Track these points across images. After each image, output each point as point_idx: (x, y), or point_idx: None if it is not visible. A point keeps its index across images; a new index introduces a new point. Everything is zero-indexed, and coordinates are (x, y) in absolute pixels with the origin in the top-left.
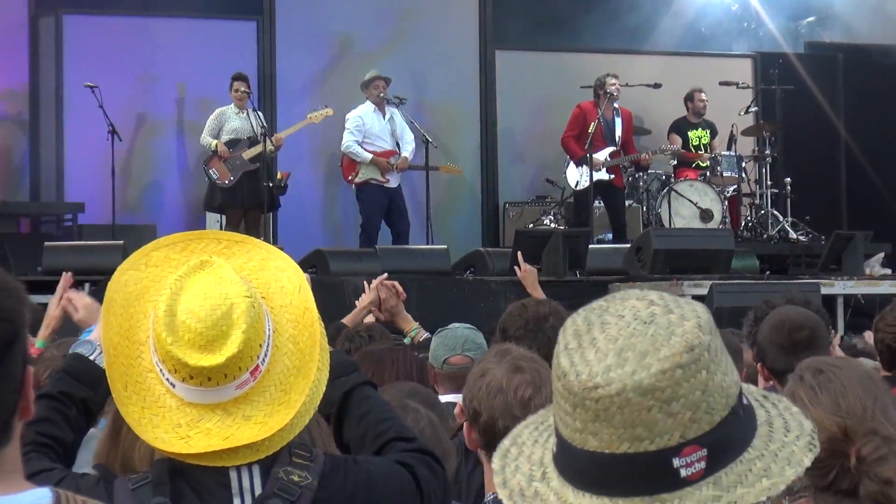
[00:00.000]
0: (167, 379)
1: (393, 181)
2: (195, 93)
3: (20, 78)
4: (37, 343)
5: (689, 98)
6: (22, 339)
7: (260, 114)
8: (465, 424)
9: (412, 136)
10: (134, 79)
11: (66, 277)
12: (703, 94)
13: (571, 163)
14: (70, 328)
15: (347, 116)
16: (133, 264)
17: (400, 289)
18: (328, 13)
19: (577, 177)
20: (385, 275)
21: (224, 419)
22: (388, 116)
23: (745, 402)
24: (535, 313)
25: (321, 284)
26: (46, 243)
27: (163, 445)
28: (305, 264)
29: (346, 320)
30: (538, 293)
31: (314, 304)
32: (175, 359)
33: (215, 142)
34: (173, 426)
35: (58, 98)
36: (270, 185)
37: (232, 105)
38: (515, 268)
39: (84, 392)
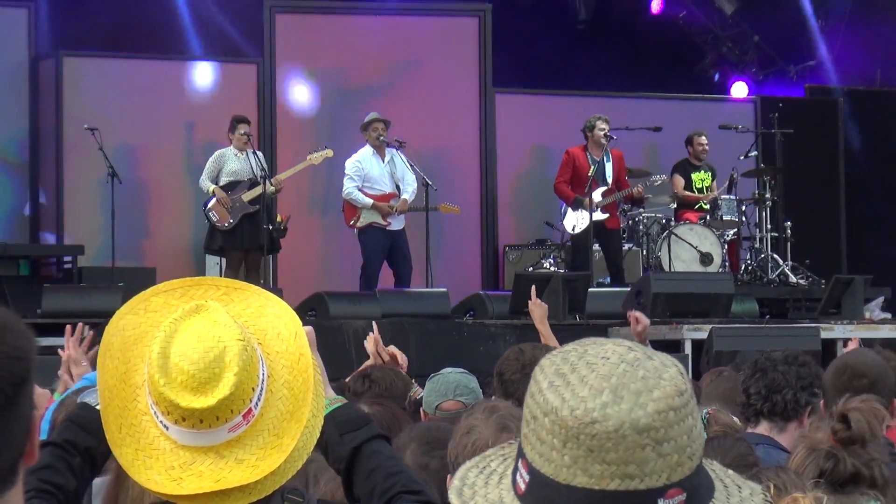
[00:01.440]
0: (161, 421)
1: (395, 224)
2: (195, 135)
3: (20, 119)
4: (55, 395)
5: (689, 142)
6: (31, 381)
7: (260, 155)
8: (448, 478)
9: (413, 177)
10: (134, 121)
11: (68, 336)
12: (703, 138)
13: (568, 209)
14: None
15: (346, 163)
16: (131, 309)
17: (401, 359)
18: (328, 56)
19: (574, 221)
20: (376, 335)
21: (217, 462)
22: (387, 159)
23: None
24: (532, 357)
25: (321, 328)
26: (46, 285)
27: (155, 487)
28: (305, 307)
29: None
30: (545, 328)
31: (310, 351)
32: (167, 400)
33: (213, 187)
34: (166, 468)
35: (58, 140)
36: (270, 227)
37: (231, 147)
38: (530, 302)
39: (89, 441)
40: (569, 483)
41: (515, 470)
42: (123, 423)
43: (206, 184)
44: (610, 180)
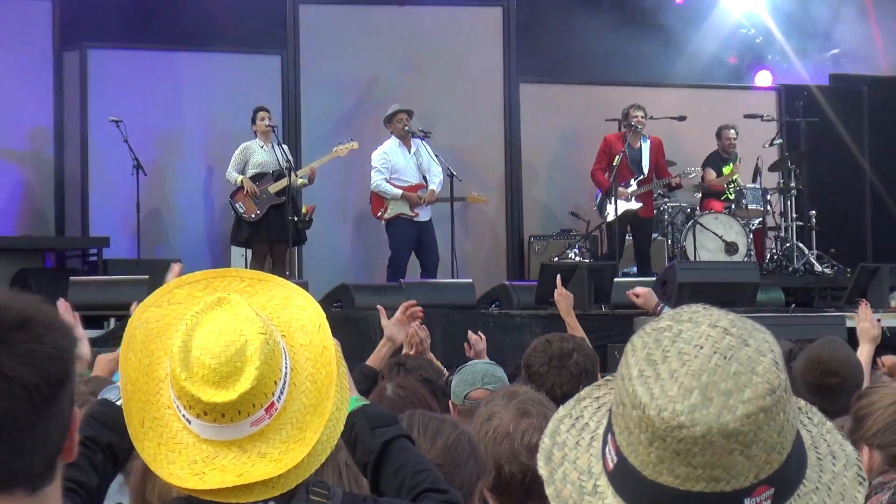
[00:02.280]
0: (183, 415)
1: (423, 215)
2: (220, 127)
3: (45, 112)
4: None
5: (718, 135)
6: (72, 379)
7: (285, 147)
8: None
9: (439, 168)
10: (158, 113)
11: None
12: (731, 132)
13: (604, 196)
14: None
15: (373, 155)
16: (155, 301)
17: (424, 334)
18: (352, 47)
19: (608, 209)
20: (413, 301)
21: (239, 456)
22: (413, 150)
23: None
24: (560, 349)
25: (346, 319)
26: (72, 278)
27: (177, 481)
28: (331, 299)
29: (371, 361)
30: (572, 319)
31: (333, 343)
32: (189, 395)
33: (241, 177)
34: (189, 462)
35: (82, 132)
36: (296, 219)
37: (256, 139)
38: (556, 292)
39: (111, 437)
40: (654, 480)
41: (605, 441)
42: (146, 417)
43: (234, 175)
44: (646, 169)
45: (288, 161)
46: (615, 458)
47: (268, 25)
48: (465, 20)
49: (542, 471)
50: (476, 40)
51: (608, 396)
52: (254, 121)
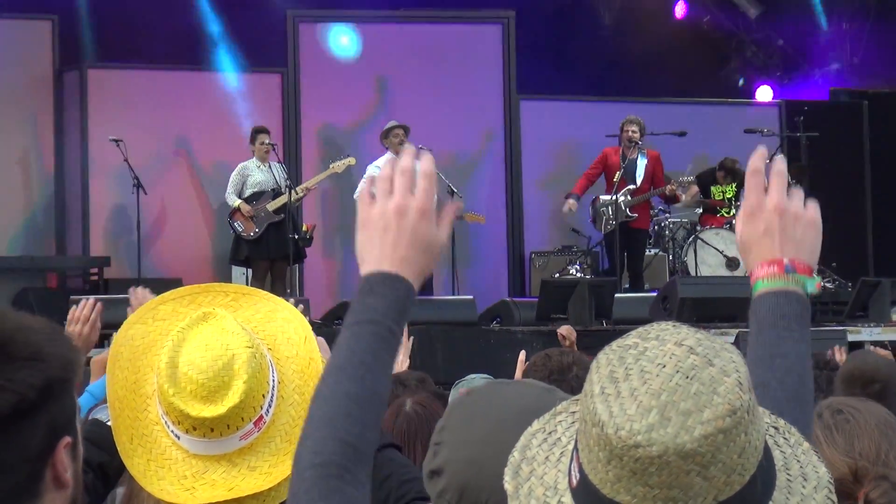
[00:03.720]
0: (172, 431)
1: None
2: (220, 145)
3: (45, 132)
4: None
5: (723, 166)
6: (46, 412)
7: (283, 166)
8: None
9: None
10: (159, 132)
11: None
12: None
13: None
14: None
15: (368, 168)
16: (140, 318)
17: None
18: (352, 65)
19: (603, 220)
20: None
21: (229, 470)
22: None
23: (766, 447)
24: (559, 363)
25: None
26: (72, 297)
27: (168, 497)
28: (332, 316)
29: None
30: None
31: (320, 355)
32: (177, 410)
33: (238, 201)
34: (179, 478)
35: (83, 152)
36: (296, 237)
37: (253, 159)
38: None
39: (101, 457)
40: (612, 498)
41: (572, 458)
42: (135, 434)
43: (232, 198)
44: (639, 180)
45: (286, 179)
46: (578, 476)
47: (267, 44)
48: (466, 36)
49: (508, 486)
50: (476, 56)
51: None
52: (252, 141)
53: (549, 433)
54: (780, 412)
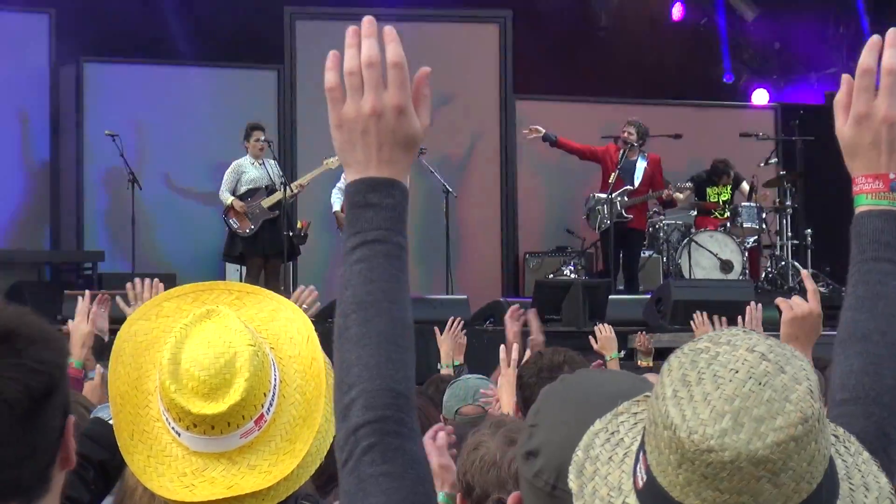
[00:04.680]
0: (173, 427)
1: None
2: (216, 141)
3: (41, 126)
4: (74, 363)
5: (714, 171)
6: (62, 391)
7: (276, 163)
8: (458, 496)
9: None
10: (155, 127)
11: (88, 295)
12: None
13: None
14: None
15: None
16: (143, 314)
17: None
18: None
19: (598, 217)
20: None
21: (229, 468)
22: None
23: (830, 456)
24: (550, 361)
25: None
26: (66, 291)
27: (167, 494)
28: (325, 315)
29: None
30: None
31: (322, 355)
32: (178, 407)
33: (231, 199)
34: (179, 475)
35: (78, 146)
36: (290, 234)
37: (247, 156)
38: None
39: (103, 455)
40: (681, 502)
41: (637, 459)
42: (136, 430)
43: (225, 195)
44: (637, 182)
45: (281, 176)
46: (645, 477)
47: (264, 40)
48: (462, 36)
49: (573, 484)
50: (472, 56)
51: (646, 412)
52: (247, 138)
53: (612, 433)
54: (878, 372)
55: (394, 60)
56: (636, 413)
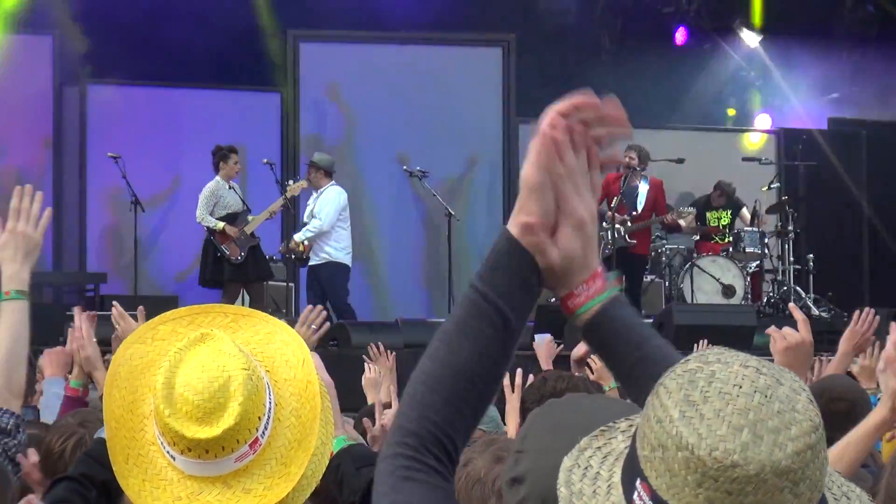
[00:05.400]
0: (168, 451)
1: (312, 259)
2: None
3: (44, 147)
4: (71, 383)
5: (718, 186)
6: None
7: (239, 187)
8: None
9: (317, 220)
10: (158, 149)
11: (78, 311)
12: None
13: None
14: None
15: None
16: (139, 338)
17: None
18: (352, 85)
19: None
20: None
21: (224, 492)
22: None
23: None
24: (553, 388)
25: (343, 358)
26: (69, 314)
27: None
28: (326, 337)
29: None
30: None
31: (317, 378)
32: (173, 431)
33: (223, 224)
34: (174, 499)
35: (81, 168)
36: (292, 256)
37: (220, 178)
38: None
39: (105, 474)
40: None
41: (630, 489)
42: (131, 454)
43: (211, 220)
44: (640, 207)
45: (286, 198)
46: (649, 503)
47: (267, 62)
48: (465, 60)
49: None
50: (476, 80)
51: (609, 446)
52: (225, 160)
53: (585, 468)
54: None
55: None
56: (600, 447)
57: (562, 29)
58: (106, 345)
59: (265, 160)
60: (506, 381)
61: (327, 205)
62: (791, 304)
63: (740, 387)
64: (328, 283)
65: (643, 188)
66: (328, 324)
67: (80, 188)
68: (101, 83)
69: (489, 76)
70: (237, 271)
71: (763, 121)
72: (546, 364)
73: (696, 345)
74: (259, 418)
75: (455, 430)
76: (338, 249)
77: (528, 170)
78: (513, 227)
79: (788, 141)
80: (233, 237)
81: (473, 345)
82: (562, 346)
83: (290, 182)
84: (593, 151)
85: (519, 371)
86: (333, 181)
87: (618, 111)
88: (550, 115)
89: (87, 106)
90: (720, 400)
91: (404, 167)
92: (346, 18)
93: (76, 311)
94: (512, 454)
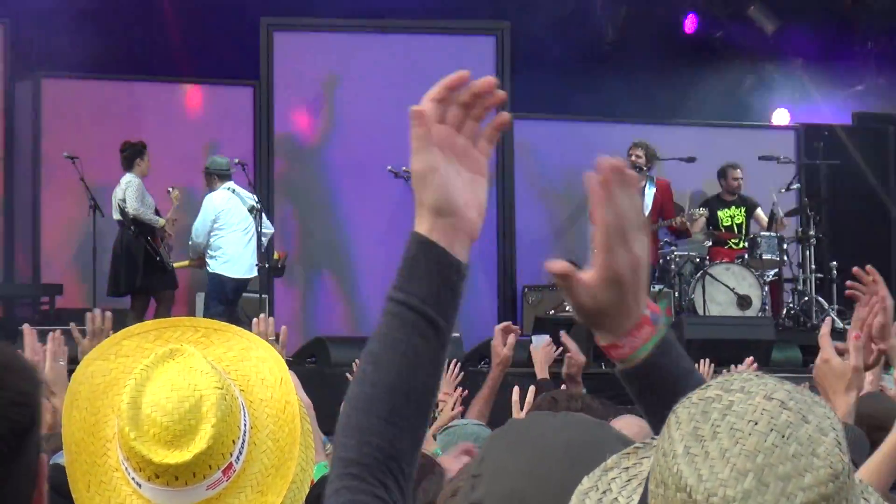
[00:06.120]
0: (133, 478)
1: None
2: (185, 163)
3: None
4: None
5: (723, 174)
6: (38, 425)
7: None
8: None
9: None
10: (117, 148)
11: (27, 330)
12: (737, 171)
13: None
14: None
15: (205, 199)
16: (101, 354)
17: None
18: (332, 78)
19: None
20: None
21: None
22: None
23: None
24: (567, 409)
25: (322, 376)
26: (20, 328)
27: None
28: (304, 354)
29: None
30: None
31: (297, 399)
32: (139, 455)
33: (163, 220)
34: None
35: (35, 170)
36: (266, 265)
37: (135, 175)
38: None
39: None
40: None
41: None
42: (92, 481)
43: (157, 218)
44: (647, 211)
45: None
46: None
47: (239, 54)
48: (455, 49)
49: None
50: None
51: (639, 467)
52: (141, 157)
53: (604, 492)
54: None
55: None
56: (627, 468)
57: (560, 17)
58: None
59: (237, 160)
60: (514, 397)
61: (199, 216)
62: (822, 334)
63: (755, 423)
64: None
65: (649, 191)
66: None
67: (33, 192)
68: (57, 76)
69: (481, 68)
70: (161, 277)
71: (781, 116)
72: (542, 371)
73: (699, 364)
74: (233, 442)
75: (399, 451)
76: (215, 259)
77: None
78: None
79: (809, 137)
80: (168, 238)
81: (403, 358)
82: (560, 350)
83: (169, 189)
84: (474, 127)
85: (516, 389)
86: (226, 184)
87: (489, 82)
88: (422, 103)
89: (40, 102)
90: (729, 437)
91: (388, 167)
92: (325, 6)
93: (25, 329)
94: (468, 478)
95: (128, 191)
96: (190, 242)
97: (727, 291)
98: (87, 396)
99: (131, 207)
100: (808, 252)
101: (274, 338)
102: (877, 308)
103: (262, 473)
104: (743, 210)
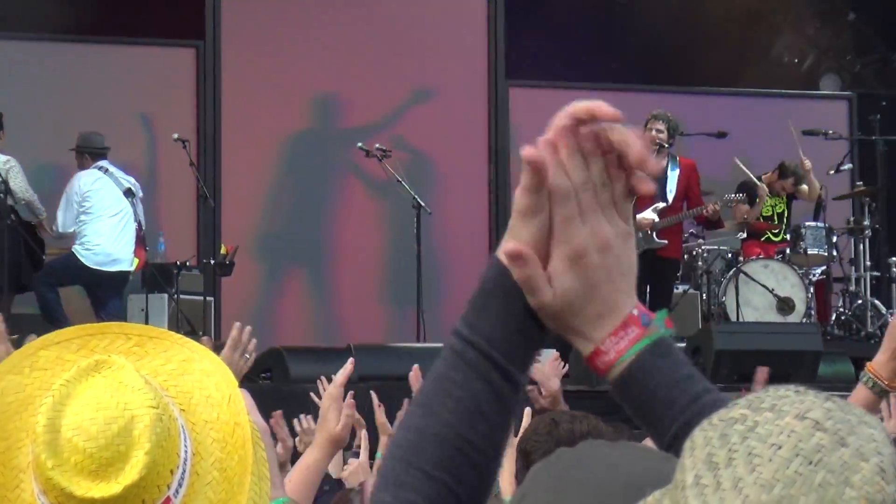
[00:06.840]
0: None
1: None
2: (123, 131)
3: None
4: None
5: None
6: None
7: None
8: None
9: None
10: (51, 114)
11: None
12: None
13: None
14: None
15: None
16: (14, 367)
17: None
18: (290, 40)
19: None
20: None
21: None
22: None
23: None
24: (570, 432)
25: (278, 394)
26: None
27: None
28: (257, 368)
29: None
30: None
31: (247, 419)
32: (58, 488)
33: (45, 213)
34: None
35: None
36: (212, 262)
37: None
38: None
39: None
40: None
41: None
42: None
43: (42, 208)
44: (671, 196)
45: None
46: None
47: (180, 12)
48: (442, 9)
49: None
50: (455, 34)
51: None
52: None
53: None
54: None
55: None
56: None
57: None
58: None
59: (176, 136)
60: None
61: (62, 200)
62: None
63: (779, 447)
64: None
65: (673, 172)
66: (254, 341)
67: None
68: None
69: (472, 29)
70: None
71: (829, 82)
72: (548, 377)
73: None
74: (171, 472)
75: None
76: (78, 244)
77: (517, 192)
78: (500, 255)
79: (864, 109)
80: (42, 232)
81: (457, 403)
82: (567, 366)
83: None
84: (611, 158)
85: (528, 410)
86: (100, 163)
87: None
88: (558, 120)
89: None
90: (745, 465)
91: (359, 144)
92: None
93: None
94: None
95: (11, 172)
96: (54, 232)
97: (765, 293)
98: None
99: (19, 186)
100: (861, 246)
101: (249, 355)
102: None
103: None
104: (784, 197)
